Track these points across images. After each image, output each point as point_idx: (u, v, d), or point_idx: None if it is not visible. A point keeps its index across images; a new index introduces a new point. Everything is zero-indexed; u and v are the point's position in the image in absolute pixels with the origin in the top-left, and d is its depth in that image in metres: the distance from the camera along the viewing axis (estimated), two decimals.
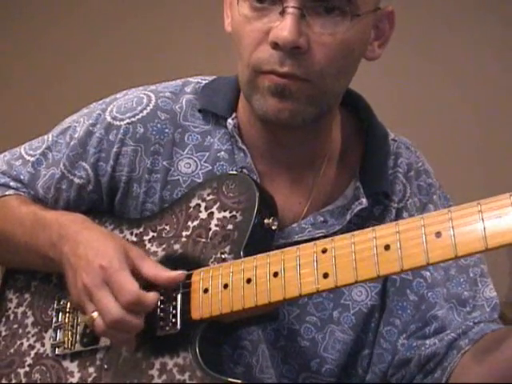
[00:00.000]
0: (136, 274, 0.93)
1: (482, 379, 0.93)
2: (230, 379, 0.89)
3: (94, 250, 0.94)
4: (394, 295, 1.05)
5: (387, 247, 0.82)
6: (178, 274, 0.94)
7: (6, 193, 1.11)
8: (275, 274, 0.88)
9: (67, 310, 1.05)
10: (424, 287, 1.04)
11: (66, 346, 1.03)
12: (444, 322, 1.02)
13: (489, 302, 1.05)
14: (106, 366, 0.98)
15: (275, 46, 0.92)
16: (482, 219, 0.77)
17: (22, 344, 1.07)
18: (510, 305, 2.64)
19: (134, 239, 1.04)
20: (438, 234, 0.79)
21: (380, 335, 1.05)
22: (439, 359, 1.00)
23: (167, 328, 0.94)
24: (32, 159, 1.12)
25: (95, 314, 0.92)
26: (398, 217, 1.05)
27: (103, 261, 0.92)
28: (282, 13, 0.91)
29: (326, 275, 0.85)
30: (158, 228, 1.03)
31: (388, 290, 1.05)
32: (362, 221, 1.04)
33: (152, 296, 0.91)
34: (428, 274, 1.04)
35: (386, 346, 1.05)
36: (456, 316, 1.03)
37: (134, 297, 0.89)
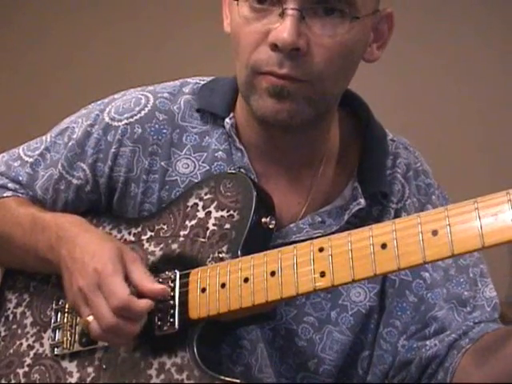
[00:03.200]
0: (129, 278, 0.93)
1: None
2: (228, 379, 0.89)
3: (90, 253, 0.94)
4: (394, 296, 1.05)
5: (384, 246, 0.82)
6: (162, 288, 0.93)
7: (4, 194, 1.12)
8: (272, 273, 0.88)
9: (66, 310, 1.05)
10: (423, 288, 1.04)
11: (64, 346, 1.03)
12: (444, 322, 1.02)
13: (489, 301, 1.05)
14: (104, 366, 0.98)
15: (274, 47, 0.91)
16: (479, 217, 0.77)
17: (21, 344, 1.07)
18: (510, 305, 2.63)
19: (132, 239, 1.04)
20: (435, 232, 0.79)
21: (380, 336, 1.05)
22: (440, 360, 1.00)
23: (165, 328, 0.94)
24: (30, 160, 1.12)
25: (90, 318, 0.92)
26: (397, 217, 1.04)
27: (98, 264, 0.92)
28: (282, 14, 0.91)
29: (322, 274, 0.85)
30: (156, 227, 1.03)
31: (387, 291, 1.05)
32: (360, 221, 1.03)
33: (143, 303, 0.91)
34: (427, 274, 1.04)
35: (387, 347, 1.04)
36: (456, 316, 1.03)
37: (122, 302, 0.89)
